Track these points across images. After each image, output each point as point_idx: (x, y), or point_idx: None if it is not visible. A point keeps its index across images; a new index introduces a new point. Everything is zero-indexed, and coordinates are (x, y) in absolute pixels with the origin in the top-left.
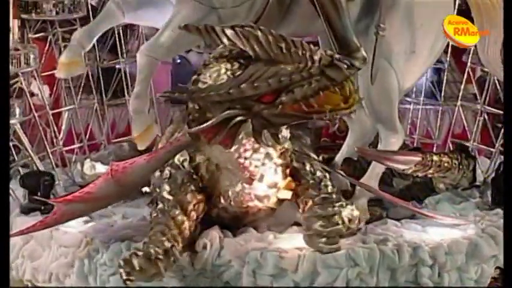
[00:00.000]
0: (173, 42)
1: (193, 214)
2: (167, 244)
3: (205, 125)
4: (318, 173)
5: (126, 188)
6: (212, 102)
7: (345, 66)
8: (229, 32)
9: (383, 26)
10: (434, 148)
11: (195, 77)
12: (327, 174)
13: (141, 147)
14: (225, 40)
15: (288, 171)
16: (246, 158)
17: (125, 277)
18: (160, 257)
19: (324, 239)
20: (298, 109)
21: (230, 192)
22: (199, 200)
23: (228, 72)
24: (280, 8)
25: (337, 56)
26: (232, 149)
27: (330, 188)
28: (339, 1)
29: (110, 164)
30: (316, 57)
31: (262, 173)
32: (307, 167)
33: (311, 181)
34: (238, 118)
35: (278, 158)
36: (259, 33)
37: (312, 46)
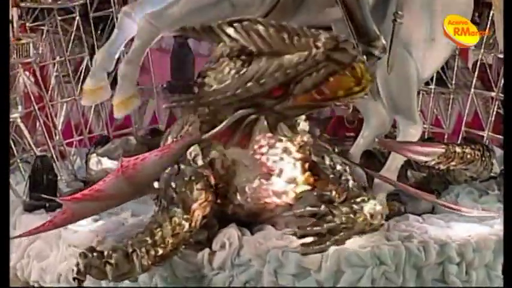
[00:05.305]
0: (180, 17)
1: (198, 213)
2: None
3: (217, 128)
4: (338, 167)
5: (138, 186)
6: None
7: (351, 46)
8: (228, 29)
9: (401, 13)
10: (445, 138)
11: (199, 80)
12: (347, 168)
13: (117, 115)
14: (225, 38)
15: (306, 165)
16: (262, 154)
17: (75, 275)
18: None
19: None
20: (310, 98)
21: (247, 188)
22: (206, 199)
23: (232, 72)
24: None
25: (341, 37)
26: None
27: (350, 183)
28: None
29: (120, 160)
30: (320, 43)
31: (281, 168)
32: (327, 161)
33: (331, 175)
34: (251, 117)
35: (297, 152)
36: (259, 26)
37: (314, 31)
